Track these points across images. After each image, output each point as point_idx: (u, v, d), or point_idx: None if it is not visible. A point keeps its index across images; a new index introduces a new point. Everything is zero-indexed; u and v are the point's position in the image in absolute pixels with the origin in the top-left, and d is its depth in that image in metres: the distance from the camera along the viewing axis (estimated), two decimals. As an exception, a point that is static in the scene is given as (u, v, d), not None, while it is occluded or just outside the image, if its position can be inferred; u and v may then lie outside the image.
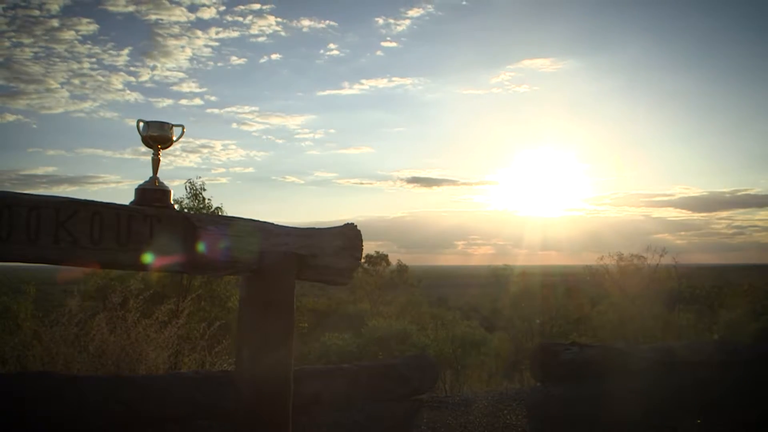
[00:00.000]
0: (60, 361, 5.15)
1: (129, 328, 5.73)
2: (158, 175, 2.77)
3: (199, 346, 6.01)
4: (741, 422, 4.77)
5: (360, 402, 4.96)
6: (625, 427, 4.62)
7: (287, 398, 2.84)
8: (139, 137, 2.81)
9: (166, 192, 2.72)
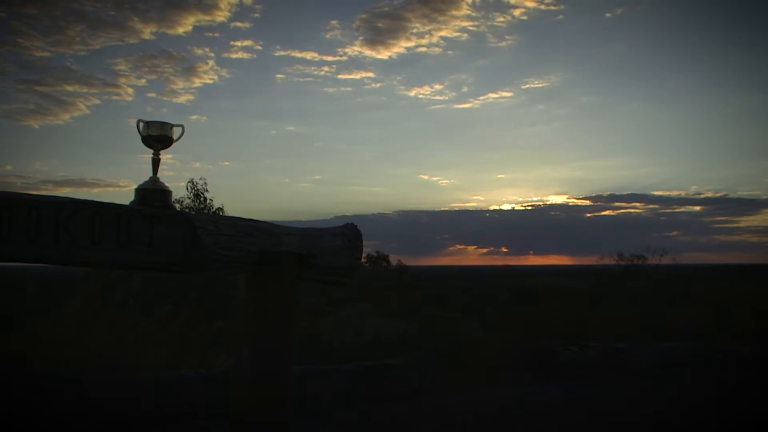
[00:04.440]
0: (60, 360, 5.15)
1: (129, 327, 5.73)
2: (158, 175, 2.78)
3: (199, 346, 6.01)
4: (740, 421, 4.77)
5: (360, 402, 4.96)
6: (625, 427, 4.62)
7: (287, 398, 2.84)
8: (140, 137, 2.81)
9: (166, 192, 2.73)
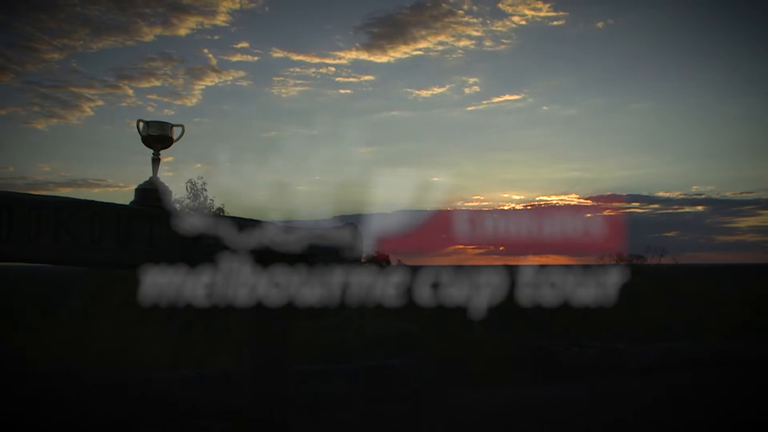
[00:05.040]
0: (60, 360, 5.14)
1: (129, 327, 5.74)
2: (158, 175, 2.78)
3: (199, 346, 6.01)
4: (740, 421, 4.77)
5: (360, 402, 4.96)
6: (624, 427, 4.62)
7: (287, 398, 2.84)
8: (140, 137, 2.81)
9: (166, 192, 2.73)
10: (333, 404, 4.80)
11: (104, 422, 3.80)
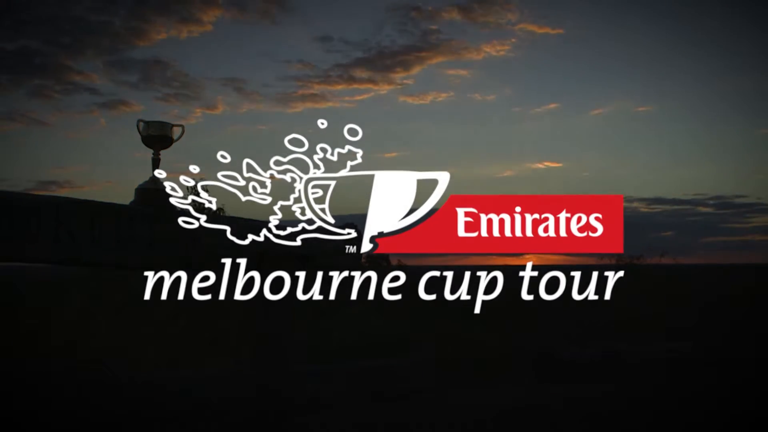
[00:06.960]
0: (60, 360, 5.15)
1: (129, 327, 5.74)
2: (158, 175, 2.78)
3: (199, 346, 6.02)
4: (740, 421, 4.77)
5: (360, 402, 4.97)
6: (624, 427, 4.62)
7: (287, 398, 2.84)
8: (139, 137, 2.82)
9: (166, 192, 2.73)
10: (333, 404, 4.80)
11: (104, 422, 3.80)
